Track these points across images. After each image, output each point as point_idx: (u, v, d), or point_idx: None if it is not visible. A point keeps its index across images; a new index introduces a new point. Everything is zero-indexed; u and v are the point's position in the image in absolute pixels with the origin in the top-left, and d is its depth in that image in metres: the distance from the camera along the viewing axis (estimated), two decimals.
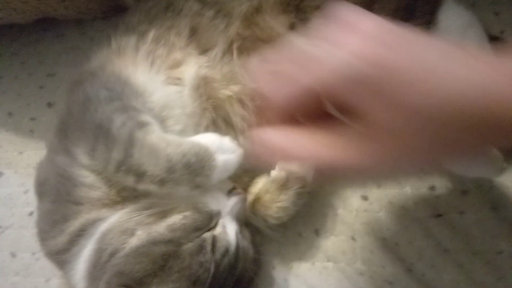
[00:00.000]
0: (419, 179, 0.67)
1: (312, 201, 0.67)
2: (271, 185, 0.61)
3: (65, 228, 0.54)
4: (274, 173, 0.63)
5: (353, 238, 0.64)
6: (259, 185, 0.64)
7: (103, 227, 0.52)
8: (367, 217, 0.65)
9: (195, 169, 0.52)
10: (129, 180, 0.52)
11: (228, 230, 0.54)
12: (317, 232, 0.66)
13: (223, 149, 0.55)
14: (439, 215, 0.63)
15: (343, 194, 0.68)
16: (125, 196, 0.54)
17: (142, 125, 0.54)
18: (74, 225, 0.53)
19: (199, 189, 0.54)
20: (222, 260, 0.52)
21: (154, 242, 0.49)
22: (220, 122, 0.63)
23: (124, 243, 0.50)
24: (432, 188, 0.66)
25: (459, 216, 0.62)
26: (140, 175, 0.51)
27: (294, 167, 0.62)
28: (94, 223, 0.53)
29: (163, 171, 0.51)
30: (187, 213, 0.52)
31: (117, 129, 0.53)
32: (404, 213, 0.64)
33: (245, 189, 0.65)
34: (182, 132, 0.60)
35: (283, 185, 0.61)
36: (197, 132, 0.60)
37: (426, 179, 0.67)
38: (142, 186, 0.52)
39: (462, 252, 0.59)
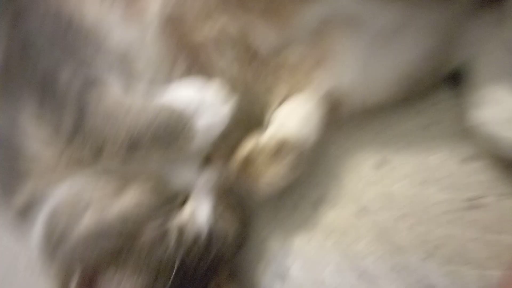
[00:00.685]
0: (450, 148, 0.54)
1: (313, 166, 0.56)
2: (259, 154, 0.50)
3: (13, 200, 0.46)
4: (263, 138, 0.51)
5: (357, 215, 0.54)
6: (246, 150, 0.53)
7: (53, 198, 0.44)
8: (378, 190, 0.54)
9: (166, 142, 0.41)
10: (85, 155, 0.42)
11: (198, 213, 0.45)
12: (315, 205, 0.56)
13: (204, 108, 0.44)
14: (471, 199, 0.50)
15: (351, 160, 0.56)
16: (74, 163, 0.45)
17: (93, 83, 0.42)
18: (22, 199, 0.46)
19: (170, 161, 0.44)
20: (191, 251, 0.43)
21: (103, 235, 0.41)
22: (197, 72, 0.50)
23: (74, 223, 0.42)
24: (467, 159, 0.53)
25: (496, 200, 0.49)
26: (96, 150, 0.41)
27: (290, 131, 0.49)
28: (42, 194, 0.45)
29: (123, 145, 0.41)
30: (141, 198, 0.42)
31: (64, 86, 0.42)
32: (426, 190, 0.52)
33: (230, 151, 0.54)
34: (153, 81, 0.48)
35: (273, 156, 0.49)
36: (171, 79, 0.48)
37: (460, 147, 0.53)
38: (101, 163, 0.42)
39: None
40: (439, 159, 0.54)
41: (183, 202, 0.45)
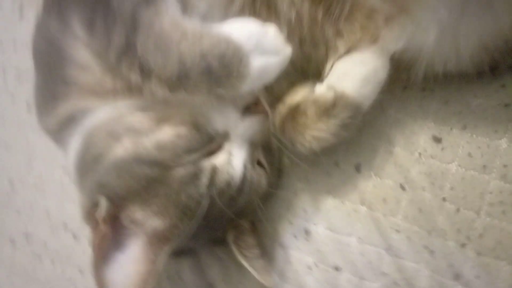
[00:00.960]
0: None
1: (366, 126, 0.51)
2: (312, 105, 0.46)
3: (54, 108, 0.46)
4: (319, 89, 0.46)
5: (402, 187, 0.50)
6: (298, 97, 0.48)
7: (91, 120, 0.44)
8: (432, 165, 0.49)
9: (218, 77, 0.38)
10: (132, 76, 0.40)
11: (234, 159, 0.43)
12: (358, 167, 0.53)
13: (263, 48, 0.40)
14: None
15: (409, 128, 0.51)
16: (121, 87, 0.43)
17: (149, 0, 0.38)
18: (63, 108, 0.45)
19: (219, 100, 0.41)
20: (221, 196, 0.42)
21: (138, 161, 0.40)
22: (260, 5, 0.44)
23: (109, 149, 0.42)
24: None
25: None
26: (145, 72, 0.39)
27: (350, 87, 0.44)
28: (82, 112, 0.44)
29: (174, 73, 0.38)
30: (182, 130, 0.40)
31: (117, 1, 0.38)
32: (485, 175, 0.47)
33: (279, 98, 0.50)
34: (207, 16, 0.43)
35: (326, 110, 0.44)
36: (227, 16, 0.43)
37: None
38: (147, 87, 0.40)
39: None
40: (511, 144, 0.48)
41: (222, 144, 0.42)
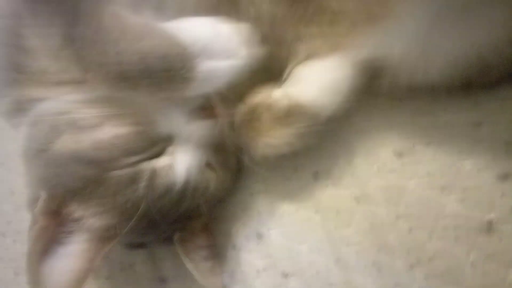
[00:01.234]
0: (492, 157, 0.45)
1: (328, 133, 0.49)
2: (266, 111, 0.43)
3: (6, 95, 0.44)
4: (275, 94, 0.43)
5: (357, 199, 0.48)
6: (256, 99, 0.46)
7: (37, 111, 0.41)
8: (390, 180, 0.47)
9: (160, 80, 0.35)
10: (72, 70, 0.38)
11: (178, 163, 0.41)
12: (316, 175, 0.51)
13: (212, 51, 0.37)
14: (491, 223, 0.43)
15: (372, 139, 0.48)
16: (67, 79, 0.40)
17: None
18: (14, 95, 0.43)
19: (164, 102, 0.39)
20: (160, 200, 0.40)
21: (75, 160, 0.38)
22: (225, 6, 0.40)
23: (50, 144, 0.40)
24: (505, 177, 0.44)
25: None
26: (85, 62, 0.36)
27: (308, 96, 0.41)
28: (30, 102, 0.42)
29: (111, 72, 0.35)
30: (122, 131, 0.38)
31: None
32: (444, 197, 0.45)
33: (242, 96, 0.47)
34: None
35: (280, 118, 0.42)
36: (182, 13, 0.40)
37: (503, 160, 0.44)
38: (88, 82, 0.37)
39: None
40: (474, 167, 0.45)
41: (165, 147, 0.40)
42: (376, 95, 0.45)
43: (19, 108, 0.43)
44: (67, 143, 0.39)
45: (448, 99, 0.45)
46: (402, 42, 0.38)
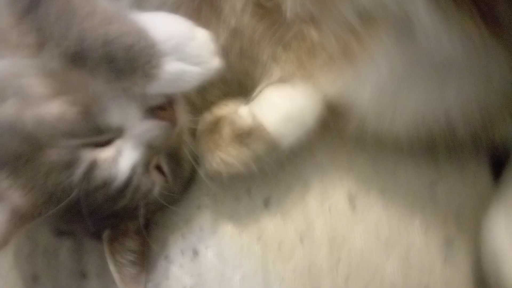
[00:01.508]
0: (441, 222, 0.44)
1: (284, 163, 0.48)
2: (228, 125, 0.42)
3: None
4: (241, 111, 0.42)
5: (302, 237, 0.47)
6: (223, 111, 0.44)
7: None
8: (337, 223, 0.46)
9: (120, 70, 0.33)
10: (29, 39, 0.35)
11: (121, 158, 0.38)
12: (267, 202, 0.49)
13: (184, 53, 0.35)
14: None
15: (329, 177, 0.47)
16: (29, 43, 0.38)
17: None
18: None
19: (121, 93, 0.36)
20: (95, 193, 0.38)
21: (12, 130, 0.36)
22: (202, 3, 0.39)
23: None
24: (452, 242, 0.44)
25: None
26: (42, 38, 0.34)
27: (271, 120, 0.40)
28: None
29: (70, 50, 0.33)
30: (68, 111, 0.36)
31: None
32: (384, 253, 0.44)
33: (209, 105, 0.46)
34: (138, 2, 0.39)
35: (240, 136, 0.41)
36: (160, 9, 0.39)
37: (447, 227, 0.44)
38: (44, 54, 0.35)
39: None
40: (423, 226, 0.45)
41: (112, 140, 0.38)
42: (341, 133, 0.44)
43: None
44: (9, 111, 0.36)
45: (411, 151, 0.45)
46: (373, 86, 0.38)
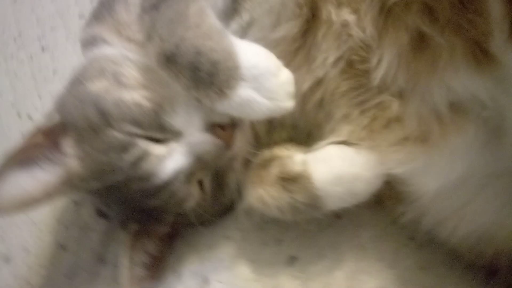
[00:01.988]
0: None
1: (326, 229, 0.45)
2: (278, 166, 0.41)
3: (90, 26, 0.48)
4: (296, 156, 0.41)
5: None
6: (277, 151, 0.44)
7: (101, 51, 0.45)
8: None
9: (200, 80, 0.36)
10: (139, 36, 0.41)
11: (169, 160, 0.40)
12: (292, 261, 0.46)
13: (261, 85, 0.36)
14: None
15: (365, 260, 0.43)
16: (136, 39, 0.43)
17: None
18: (94, 29, 0.47)
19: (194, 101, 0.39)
20: (135, 182, 0.39)
21: (94, 103, 0.40)
22: (299, 48, 0.41)
23: (89, 80, 0.42)
24: None
25: None
26: (154, 30, 0.38)
27: (321, 176, 0.38)
28: (102, 41, 0.45)
29: (166, 51, 0.36)
30: (144, 103, 0.39)
31: None
32: None
33: (273, 143, 0.46)
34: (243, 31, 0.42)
35: (285, 179, 0.39)
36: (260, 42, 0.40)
37: None
38: (146, 50, 0.39)
39: None
40: None
41: (169, 140, 0.40)
42: (393, 219, 0.40)
43: (91, 42, 0.47)
44: (100, 87, 0.41)
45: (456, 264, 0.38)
46: (442, 182, 0.34)
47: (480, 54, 0.30)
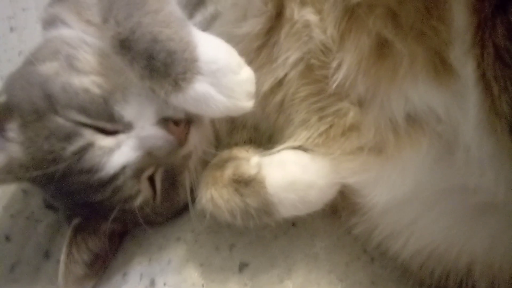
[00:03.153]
0: None
1: (278, 236, 0.43)
2: (232, 167, 0.39)
3: (52, 5, 0.46)
4: (252, 159, 0.39)
5: None
6: (234, 152, 0.42)
7: (59, 32, 0.43)
8: None
9: (155, 70, 0.33)
10: (97, 19, 0.39)
11: (118, 153, 0.37)
12: (243, 268, 0.44)
13: (219, 81, 0.34)
14: None
15: (318, 275, 0.41)
16: (96, 21, 0.41)
17: None
18: (55, 9, 0.45)
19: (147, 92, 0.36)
20: (78, 175, 0.37)
21: (42, 85, 0.38)
22: (263, 46, 0.39)
23: (42, 61, 0.40)
24: None
25: None
26: (110, 13, 0.36)
27: (275, 182, 0.36)
28: (61, 22, 0.44)
29: (121, 35, 0.34)
30: (93, 90, 0.37)
31: None
32: None
33: (233, 144, 0.44)
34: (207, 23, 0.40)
35: (238, 182, 0.38)
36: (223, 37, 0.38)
37: None
38: (104, 29, 0.37)
39: None
40: None
41: (118, 132, 0.38)
42: (347, 229, 0.39)
43: (51, 22, 0.45)
44: (50, 69, 0.39)
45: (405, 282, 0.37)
46: (391, 195, 0.33)
47: (440, 65, 0.29)
